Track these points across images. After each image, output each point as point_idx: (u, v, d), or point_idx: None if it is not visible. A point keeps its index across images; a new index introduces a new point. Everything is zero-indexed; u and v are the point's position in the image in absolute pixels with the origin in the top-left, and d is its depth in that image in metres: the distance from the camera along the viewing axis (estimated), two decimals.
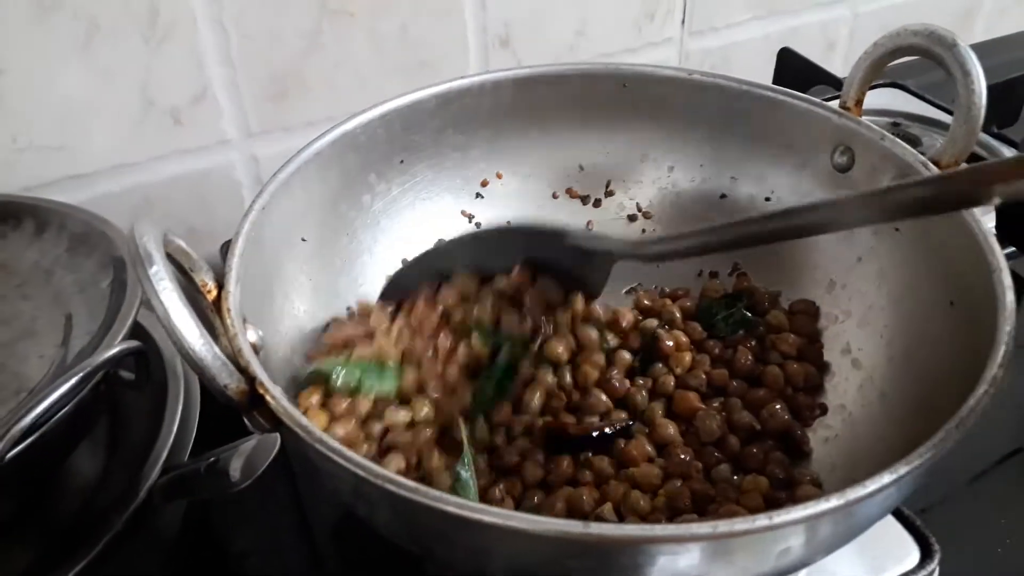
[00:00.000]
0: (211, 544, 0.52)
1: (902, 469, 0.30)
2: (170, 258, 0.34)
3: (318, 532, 0.50)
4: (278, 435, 0.37)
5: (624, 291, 0.55)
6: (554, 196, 0.57)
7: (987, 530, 0.49)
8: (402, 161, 0.51)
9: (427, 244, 0.53)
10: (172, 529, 0.48)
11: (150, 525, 0.44)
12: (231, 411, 0.35)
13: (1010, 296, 0.36)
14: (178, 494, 0.44)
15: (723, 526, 0.27)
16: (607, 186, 0.57)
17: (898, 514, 0.48)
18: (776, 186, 0.53)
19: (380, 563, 0.47)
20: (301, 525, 0.51)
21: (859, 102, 0.49)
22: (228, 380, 0.32)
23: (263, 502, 0.51)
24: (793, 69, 0.80)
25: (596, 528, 0.27)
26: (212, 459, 0.44)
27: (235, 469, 0.44)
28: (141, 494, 0.42)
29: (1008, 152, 0.73)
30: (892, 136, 0.47)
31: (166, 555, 0.47)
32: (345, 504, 0.35)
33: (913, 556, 0.46)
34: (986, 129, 0.75)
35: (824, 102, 0.50)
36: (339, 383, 0.41)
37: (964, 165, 0.46)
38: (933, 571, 0.45)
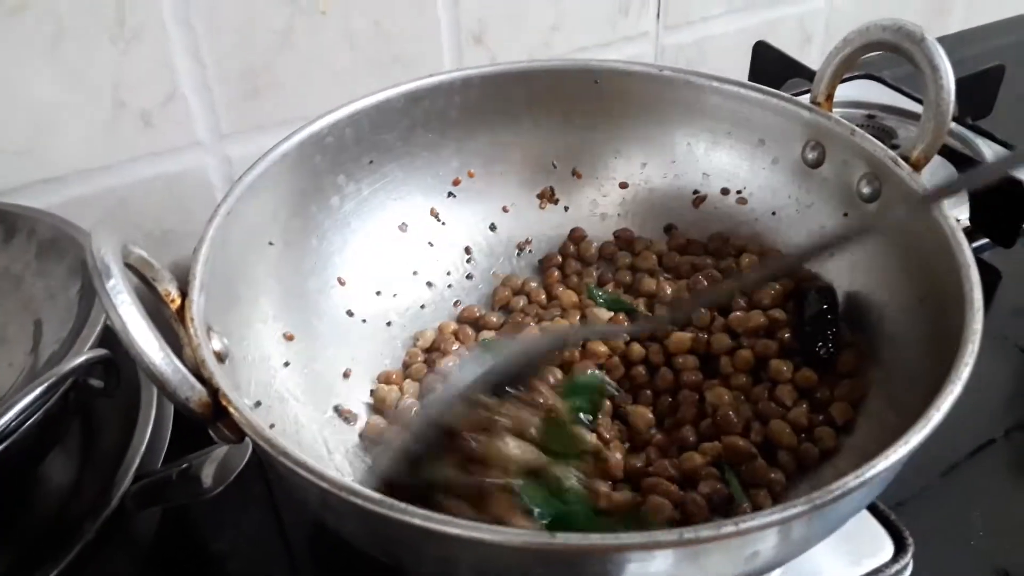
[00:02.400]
0: (188, 548, 0.51)
1: (868, 472, 0.30)
2: (132, 268, 0.34)
3: (293, 535, 0.49)
4: (249, 442, 0.36)
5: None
6: (526, 195, 0.57)
7: (961, 522, 0.49)
8: (371, 161, 0.51)
9: (398, 244, 0.53)
10: (147, 535, 0.48)
11: (124, 532, 0.43)
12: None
13: (978, 293, 0.37)
14: (151, 501, 0.44)
15: (688, 533, 0.27)
16: (580, 183, 0.57)
17: (872, 508, 0.48)
18: (748, 182, 0.53)
19: (354, 565, 0.47)
20: (278, 528, 0.50)
21: (830, 97, 0.49)
22: (190, 393, 0.31)
23: (240, 505, 0.51)
24: (769, 62, 0.80)
25: (562, 538, 0.27)
26: (184, 465, 0.44)
27: (207, 475, 0.44)
28: (114, 501, 0.42)
29: (983, 144, 0.74)
30: (862, 132, 0.47)
31: (142, 561, 0.47)
32: (314, 513, 0.35)
33: (887, 550, 0.46)
34: (961, 120, 0.75)
35: (795, 98, 0.50)
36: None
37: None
38: (907, 565, 0.46)
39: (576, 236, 0.56)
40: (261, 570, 0.49)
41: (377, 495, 0.29)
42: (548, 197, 0.57)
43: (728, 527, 0.28)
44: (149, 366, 0.30)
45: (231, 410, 0.32)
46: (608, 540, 0.27)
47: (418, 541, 0.30)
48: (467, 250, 0.56)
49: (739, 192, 0.54)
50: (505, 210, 0.56)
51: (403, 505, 0.28)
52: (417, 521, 0.28)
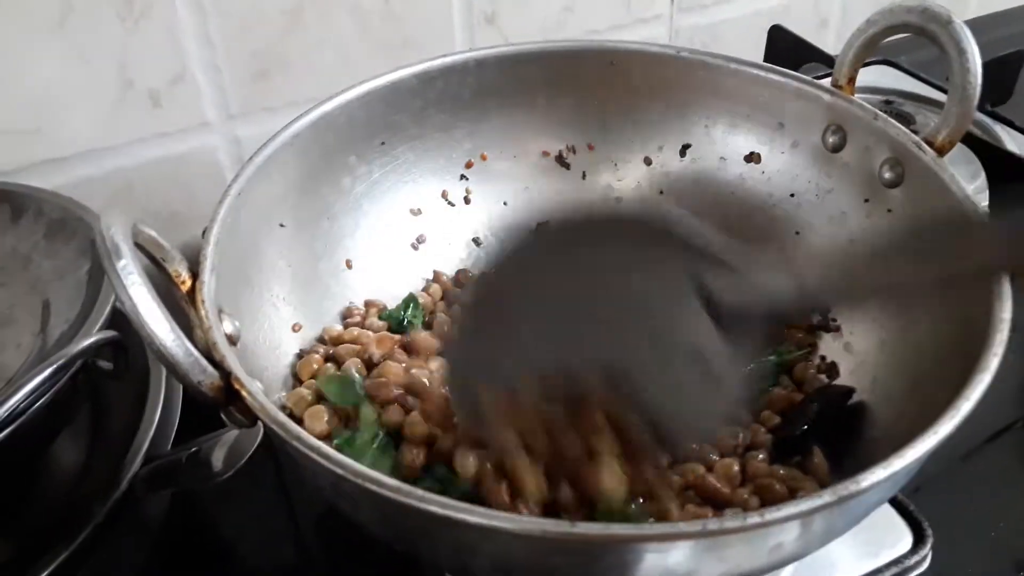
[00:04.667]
0: (198, 532, 0.51)
1: (897, 464, 0.29)
2: (142, 249, 0.33)
3: (303, 521, 0.49)
4: (260, 425, 0.36)
5: None
6: (540, 178, 0.56)
7: (980, 512, 0.49)
8: (383, 143, 0.50)
9: (408, 228, 0.52)
10: (157, 519, 0.47)
11: (134, 515, 0.43)
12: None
13: (1006, 278, 0.36)
14: (160, 485, 0.44)
15: (712, 524, 0.27)
16: (595, 167, 0.56)
17: (891, 499, 0.47)
18: (767, 167, 0.52)
19: (365, 550, 0.47)
20: (288, 513, 0.50)
21: (851, 81, 0.48)
22: (201, 376, 0.31)
23: (250, 490, 0.51)
24: (784, 46, 0.78)
25: (581, 528, 0.27)
26: (194, 449, 0.44)
27: (217, 459, 0.43)
28: (123, 485, 0.42)
29: (1002, 131, 0.73)
30: (886, 116, 0.46)
31: (152, 544, 0.46)
32: (328, 500, 0.34)
33: (906, 541, 0.46)
34: (980, 107, 0.74)
35: (815, 80, 0.49)
36: None
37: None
38: (926, 556, 0.45)
39: None
40: (271, 554, 0.49)
41: (393, 481, 0.28)
42: (563, 164, 0.56)
43: (753, 518, 0.27)
44: (160, 348, 0.29)
45: (244, 393, 0.31)
46: (629, 531, 0.27)
47: (435, 529, 0.29)
48: (475, 241, 0.55)
49: (758, 162, 0.53)
50: (518, 194, 0.56)
51: (420, 492, 0.28)
52: (434, 509, 0.27)
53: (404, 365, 0.44)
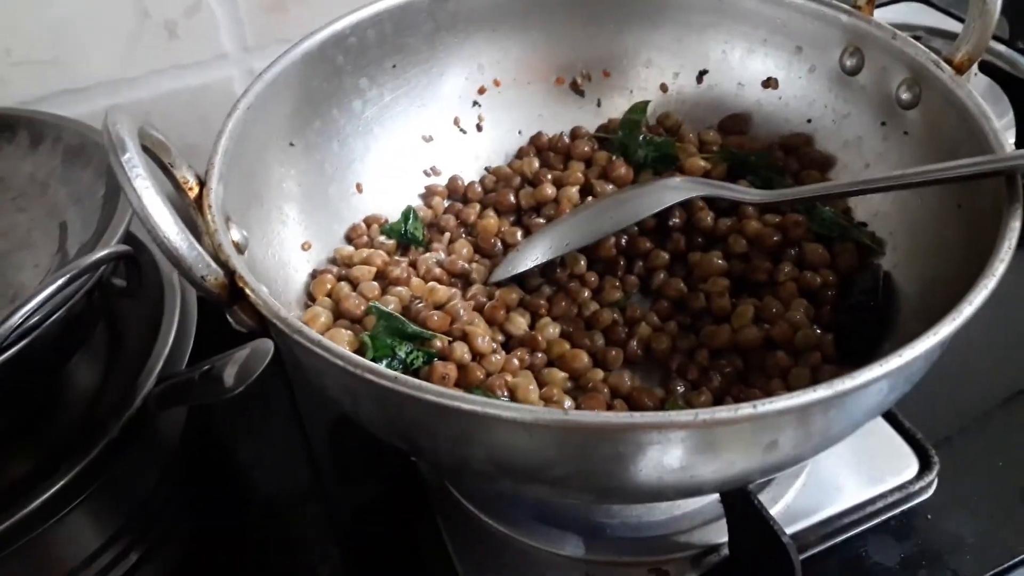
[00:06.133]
0: (212, 449, 0.52)
1: (893, 362, 0.29)
2: (149, 153, 0.34)
3: (313, 434, 0.50)
4: (271, 343, 0.36)
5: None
6: (553, 105, 0.55)
7: (987, 447, 0.48)
8: (394, 66, 0.50)
9: (419, 155, 0.52)
10: (171, 439, 0.48)
11: (147, 433, 0.44)
12: (228, 323, 0.35)
13: (1017, 188, 0.35)
14: (173, 401, 0.44)
15: (704, 414, 0.27)
16: (611, 93, 0.55)
17: (898, 426, 0.47)
18: (784, 92, 0.51)
19: (373, 461, 0.48)
20: (299, 428, 0.51)
21: (871, 2, 0.47)
22: (206, 271, 0.31)
23: (262, 409, 0.52)
24: None
25: (575, 416, 0.27)
26: (207, 367, 0.44)
27: (229, 376, 0.44)
28: (137, 402, 0.43)
29: None
30: (904, 35, 0.45)
31: (166, 465, 0.47)
32: (332, 400, 0.35)
33: (912, 467, 0.46)
34: (1010, 43, 0.72)
35: (834, 1, 0.48)
36: None
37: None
38: (932, 482, 0.45)
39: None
40: (283, 467, 0.50)
41: (391, 372, 0.28)
42: (577, 91, 0.55)
43: (745, 409, 0.27)
44: (164, 240, 0.30)
45: (247, 291, 0.32)
46: (622, 419, 0.27)
47: (431, 420, 0.30)
48: (487, 170, 0.55)
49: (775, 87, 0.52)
50: (531, 121, 0.55)
51: (416, 382, 0.28)
52: (430, 397, 0.28)
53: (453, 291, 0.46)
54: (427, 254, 0.48)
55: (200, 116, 0.61)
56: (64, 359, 0.45)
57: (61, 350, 0.44)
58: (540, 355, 0.44)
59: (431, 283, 0.46)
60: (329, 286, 0.45)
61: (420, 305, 0.44)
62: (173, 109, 0.60)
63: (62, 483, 0.39)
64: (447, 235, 0.50)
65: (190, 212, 0.36)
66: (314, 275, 0.46)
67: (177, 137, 0.60)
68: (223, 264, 0.32)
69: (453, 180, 0.53)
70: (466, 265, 0.48)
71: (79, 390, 0.47)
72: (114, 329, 0.50)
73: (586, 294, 0.47)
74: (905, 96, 0.45)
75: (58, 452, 0.41)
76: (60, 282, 0.38)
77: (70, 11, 0.54)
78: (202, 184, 0.36)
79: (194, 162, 0.37)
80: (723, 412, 0.27)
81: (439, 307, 0.44)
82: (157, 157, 0.34)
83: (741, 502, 0.38)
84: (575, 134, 0.55)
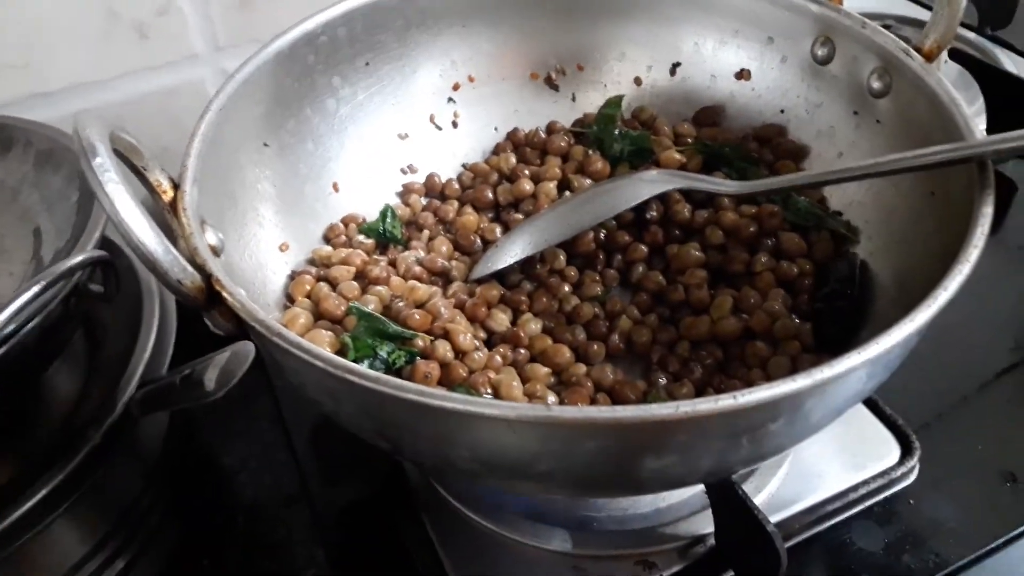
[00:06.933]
0: (195, 454, 0.52)
1: (872, 350, 0.29)
2: (121, 157, 0.33)
3: (296, 437, 0.50)
4: (252, 345, 0.36)
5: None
6: (529, 100, 0.55)
7: (968, 431, 0.49)
8: (367, 63, 0.50)
9: (396, 153, 0.52)
10: (154, 445, 0.48)
11: (130, 439, 0.44)
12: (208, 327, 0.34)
13: (990, 175, 0.35)
14: (155, 407, 0.44)
15: (685, 406, 0.27)
16: (584, 87, 0.55)
17: (879, 413, 0.48)
18: (757, 83, 0.52)
19: (356, 464, 0.48)
20: (282, 430, 0.51)
21: None
22: (182, 275, 0.31)
23: (244, 412, 0.52)
24: None
25: (558, 411, 0.27)
26: (187, 371, 0.44)
27: (210, 379, 0.43)
28: (118, 408, 0.42)
29: (1002, 55, 0.72)
30: (874, 24, 0.45)
31: (149, 471, 0.47)
32: (313, 401, 0.35)
33: (894, 454, 0.46)
34: (980, 31, 0.73)
35: None
36: None
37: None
38: (913, 467, 0.46)
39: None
40: (266, 470, 0.50)
41: (372, 372, 0.28)
42: (552, 86, 0.55)
43: (726, 400, 0.27)
44: (139, 245, 0.29)
45: (225, 295, 0.31)
46: (604, 413, 0.27)
47: (413, 419, 0.30)
48: (464, 166, 0.55)
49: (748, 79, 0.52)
50: (507, 117, 0.55)
51: (398, 381, 0.28)
52: (412, 396, 0.27)
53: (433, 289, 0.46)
54: (406, 252, 0.48)
55: (172, 118, 0.61)
56: (43, 367, 0.45)
57: (39, 358, 0.44)
58: (522, 351, 0.44)
59: (411, 282, 0.46)
60: (308, 287, 0.45)
61: (401, 304, 0.44)
62: (145, 112, 0.60)
63: (45, 491, 0.39)
64: (426, 233, 0.50)
65: (164, 216, 0.36)
66: (293, 276, 0.46)
67: (149, 140, 0.59)
68: (199, 268, 0.32)
69: (430, 177, 0.53)
70: (446, 263, 0.48)
71: (59, 397, 0.46)
72: (93, 335, 0.49)
73: (566, 289, 0.47)
74: (876, 85, 0.45)
75: (40, 460, 0.40)
76: (35, 289, 0.38)
77: (39, 14, 0.54)
78: (176, 187, 0.36)
79: (167, 165, 0.37)
80: (704, 404, 0.27)
81: (420, 306, 0.44)
82: (129, 161, 0.34)
83: (725, 492, 0.38)
84: (551, 129, 0.55)
